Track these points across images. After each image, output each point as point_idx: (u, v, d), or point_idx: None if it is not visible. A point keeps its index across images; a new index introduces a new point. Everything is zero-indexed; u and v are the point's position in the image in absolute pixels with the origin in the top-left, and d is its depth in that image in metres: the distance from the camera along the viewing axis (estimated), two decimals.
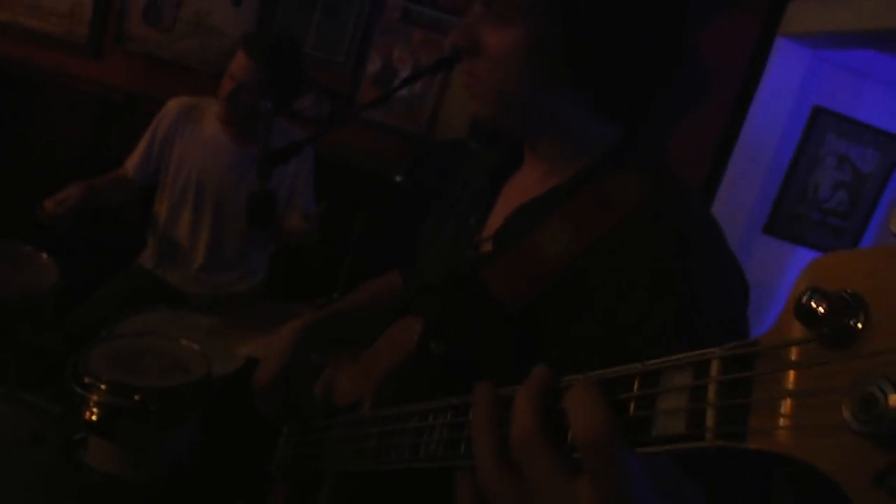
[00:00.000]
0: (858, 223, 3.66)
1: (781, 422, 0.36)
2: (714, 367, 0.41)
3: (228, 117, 2.22)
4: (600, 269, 0.79)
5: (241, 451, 1.89)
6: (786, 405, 0.36)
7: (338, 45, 2.83)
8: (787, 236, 3.55)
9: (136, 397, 1.48)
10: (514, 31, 0.82)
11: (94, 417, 1.48)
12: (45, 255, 1.99)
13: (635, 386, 0.47)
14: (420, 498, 0.86)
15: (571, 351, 0.78)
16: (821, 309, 0.35)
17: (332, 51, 2.83)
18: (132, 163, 2.31)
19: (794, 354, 0.37)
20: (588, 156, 0.88)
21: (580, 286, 0.79)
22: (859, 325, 0.34)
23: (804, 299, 0.36)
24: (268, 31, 2.66)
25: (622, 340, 0.75)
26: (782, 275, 3.52)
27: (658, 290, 0.75)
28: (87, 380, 1.47)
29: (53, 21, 2.79)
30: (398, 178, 2.82)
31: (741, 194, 3.26)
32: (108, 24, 2.84)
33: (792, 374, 0.37)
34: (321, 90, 2.75)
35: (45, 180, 2.22)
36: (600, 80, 0.83)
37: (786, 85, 3.17)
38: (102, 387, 1.47)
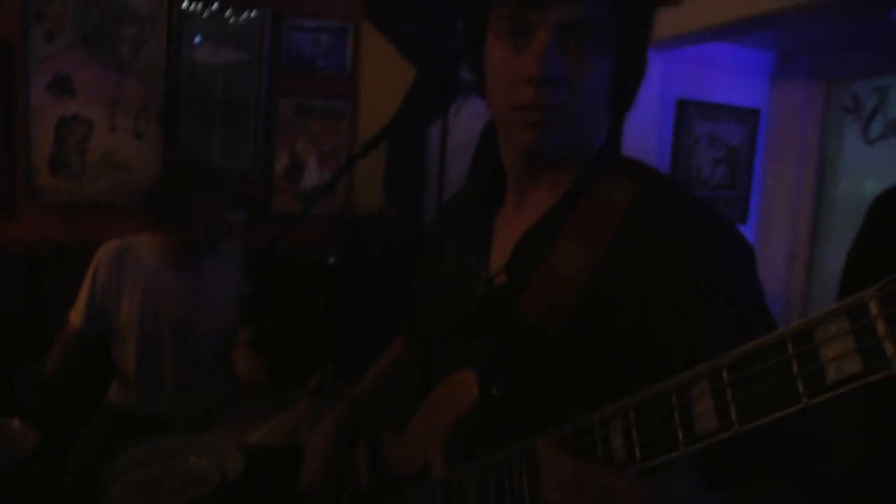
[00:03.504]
0: (743, 189, 4.05)
1: None
2: (874, 307, 0.48)
3: (208, 249, 2.38)
4: (619, 271, 0.84)
5: None
6: None
7: (243, 153, 2.99)
8: None
9: None
10: (602, 62, 0.86)
11: None
12: (16, 421, 2.05)
13: (790, 348, 0.53)
14: None
15: (617, 359, 0.83)
16: None
17: (239, 159, 2.98)
18: (78, 318, 2.37)
19: None
20: (585, 160, 0.93)
21: (606, 294, 0.84)
22: None
23: None
24: (198, 163, 2.76)
25: (660, 332, 0.80)
26: None
27: (677, 276, 0.81)
28: None
29: None
30: (331, 260, 3.00)
31: None
32: (16, 183, 2.90)
33: None
34: (234, 199, 2.89)
35: None
36: (634, 84, 0.93)
37: (651, 88, 3.51)
38: None
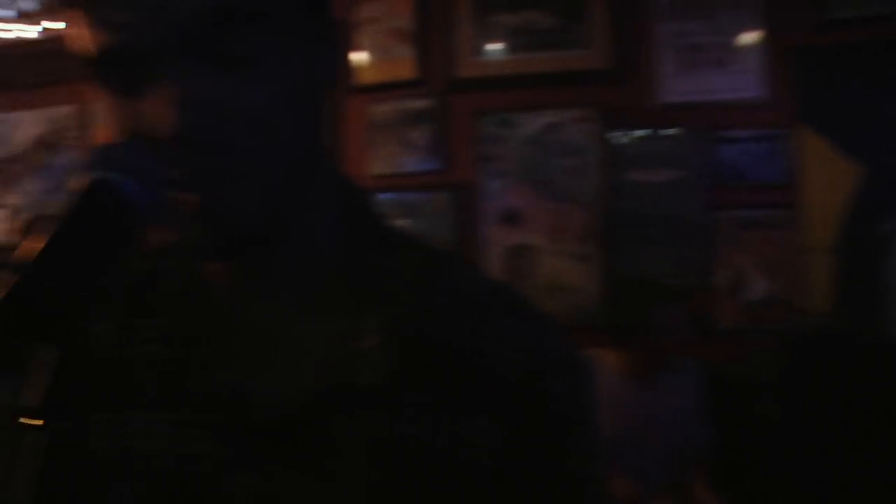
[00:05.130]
0: None
1: None
2: None
3: (668, 365, 2.39)
4: None
5: None
6: None
7: (683, 269, 2.95)
8: None
9: None
10: None
11: None
12: None
13: None
14: None
15: None
16: None
17: (679, 276, 2.93)
18: None
19: None
20: None
21: None
22: None
23: None
24: (654, 280, 2.77)
25: None
26: None
27: None
28: None
29: None
30: (778, 378, 2.78)
31: None
32: None
33: None
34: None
35: None
36: None
37: None
38: None
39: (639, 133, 3.05)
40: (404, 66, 3.22)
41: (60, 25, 3.12)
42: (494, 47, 3.18)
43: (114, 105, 0.58)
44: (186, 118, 0.53)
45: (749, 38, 3.01)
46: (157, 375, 0.67)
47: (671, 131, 3.02)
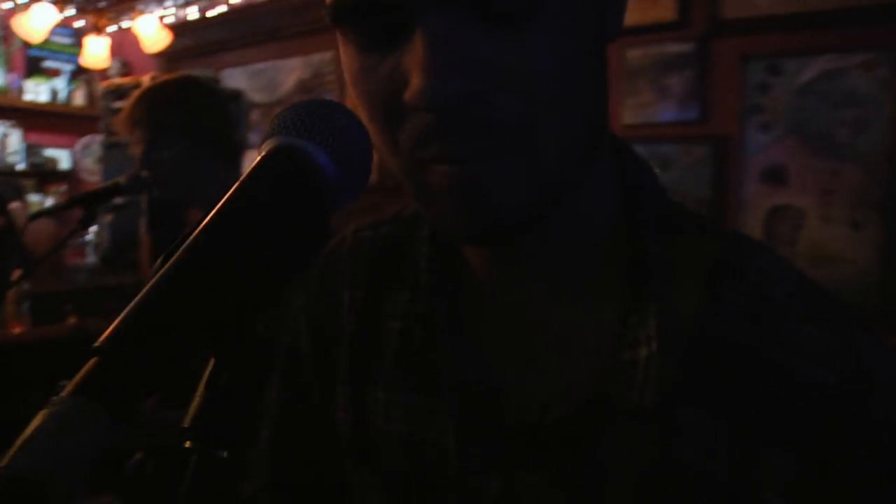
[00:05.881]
0: None
1: None
2: None
3: None
4: None
5: None
6: None
7: None
8: None
9: None
10: None
11: None
12: None
13: None
14: None
15: None
16: None
17: None
18: None
19: None
20: None
21: None
22: None
23: None
24: None
25: None
26: None
27: None
28: None
29: None
30: None
31: None
32: None
33: None
34: None
35: None
36: None
37: None
38: None
39: None
40: (663, 7, 2.99)
41: None
42: None
43: (354, 60, 0.50)
44: (447, 79, 0.43)
45: None
46: (400, 354, 0.62)
47: None
